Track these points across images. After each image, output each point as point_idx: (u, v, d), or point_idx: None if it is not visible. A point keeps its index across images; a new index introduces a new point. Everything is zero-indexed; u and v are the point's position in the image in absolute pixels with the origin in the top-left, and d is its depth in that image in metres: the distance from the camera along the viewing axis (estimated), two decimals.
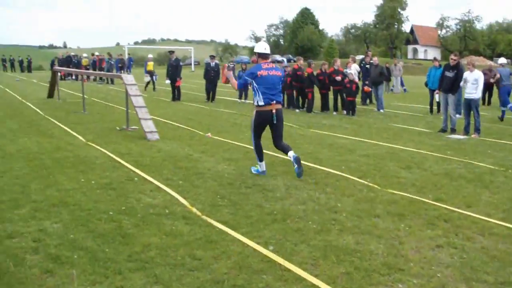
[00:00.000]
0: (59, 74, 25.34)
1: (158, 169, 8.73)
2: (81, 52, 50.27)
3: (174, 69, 22.19)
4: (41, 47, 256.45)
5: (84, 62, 39.57)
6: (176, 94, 22.22)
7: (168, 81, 22.49)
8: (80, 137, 12.02)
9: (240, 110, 18.60)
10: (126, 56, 56.87)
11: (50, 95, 22.73)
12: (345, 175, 8.43)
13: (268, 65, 8.17)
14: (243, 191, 7.35)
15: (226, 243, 5.23)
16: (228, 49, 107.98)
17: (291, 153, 8.15)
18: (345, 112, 17.90)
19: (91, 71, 36.12)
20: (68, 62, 39.01)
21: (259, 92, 8.05)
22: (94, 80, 37.70)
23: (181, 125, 14.28)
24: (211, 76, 22.08)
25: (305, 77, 18.28)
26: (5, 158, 9.48)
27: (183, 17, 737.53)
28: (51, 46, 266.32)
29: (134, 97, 13.07)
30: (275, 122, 8.13)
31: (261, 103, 8.06)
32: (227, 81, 8.65)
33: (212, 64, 22.36)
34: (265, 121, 8.18)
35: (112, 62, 37.83)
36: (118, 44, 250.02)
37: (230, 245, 5.18)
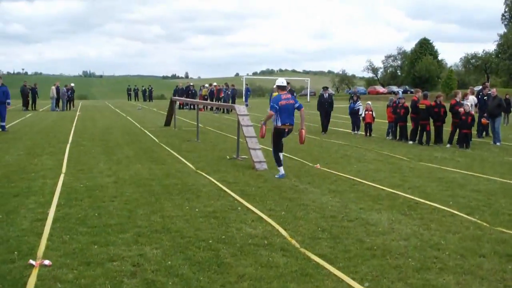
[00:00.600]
0: (177, 103, 26.63)
1: (262, 199, 8.87)
2: (202, 82, 52.56)
3: None
4: (164, 77, 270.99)
5: (204, 92, 41.32)
6: None
7: None
8: (190, 165, 12.52)
9: (352, 142, 18.43)
10: (244, 87, 58.63)
11: (167, 123, 23.95)
12: (452, 211, 8.15)
13: (286, 95, 11.29)
14: (345, 224, 7.28)
15: (321, 277, 5.20)
16: (345, 79, 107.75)
17: (281, 169, 11.26)
18: (458, 145, 17.21)
19: (208, 101, 37.60)
20: (186, 92, 40.93)
21: (279, 116, 11.16)
22: (211, 109, 39.14)
23: (290, 156, 14.41)
24: (325, 107, 22.08)
25: (424, 109, 17.81)
26: (118, 183, 10.11)
27: (301, 49, 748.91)
28: (174, 76, 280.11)
29: (246, 127, 13.44)
30: (285, 136, 11.46)
31: (279, 124, 11.23)
32: (264, 129, 11.66)
33: (326, 95, 22.38)
34: (280, 136, 11.39)
35: (229, 92, 39.14)
36: (237, 74, 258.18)
37: (325, 279, 5.14)
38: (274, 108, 11.17)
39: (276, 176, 11.06)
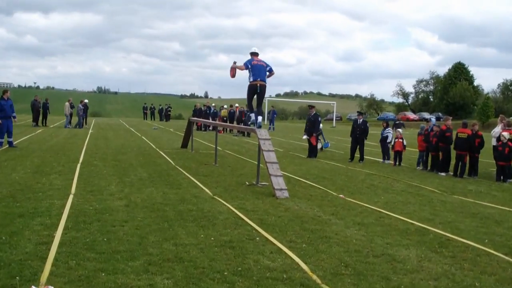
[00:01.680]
0: (195, 124, 26.71)
1: (282, 229, 8.79)
2: (222, 102, 52.64)
3: (311, 124, 22.45)
4: (182, 96, 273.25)
5: (223, 113, 41.48)
6: (312, 150, 22.43)
7: (305, 137, 22.79)
8: (207, 190, 12.50)
9: (380, 171, 18.28)
10: (267, 110, 58.71)
11: (184, 145, 24.03)
12: (488, 250, 7.98)
13: (258, 59, 14.47)
14: (370, 260, 7.15)
15: None
16: (373, 104, 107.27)
17: (259, 118, 14.75)
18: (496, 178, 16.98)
19: (227, 123, 37.74)
20: (205, 113, 41.18)
21: (251, 74, 14.16)
22: (230, 131, 39.25)
23: (313, 184, 14.33)
24: (357, 134, 21.91)
25: (464, 138, 17.61)
26: (129, 207, 10.10)
27: (327, 71, 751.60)
28: (192, 96, 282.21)
29: (267, 152, 13.42)
30: (258, 91, 14.23)
31: (252, 79, 14.17)
32: (234, 71, 14.56)
33: (359, 121, 22.16)
34: (254, 91, 14.28)
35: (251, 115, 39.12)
36: None
37: None
38: (246, 65, 14.25)
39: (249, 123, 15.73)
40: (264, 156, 13.30)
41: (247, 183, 14.02)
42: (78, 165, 16.12)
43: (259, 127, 14.54)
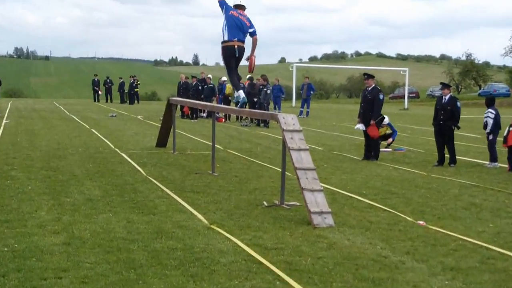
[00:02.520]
0: (178, 108, 26.64)
1: (325, 279, 8.80)
2: (221, 73, 51.55)
3: (369, 106, 22.27)
4: (157, 63, 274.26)
5: (228, 90, 41.33)
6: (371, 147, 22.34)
7: (359, 126, 22.54)
8: (200, 216, 12.53)
9: (485, 181, 18.21)
10: (294, 82, 58.45)
11: (161, 142, 24.08)
12: None
13: (242, 13, 16.01)
14: None
15: None
16: (471, 71, 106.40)
17: (241, 92, 16.87)
18: None
19: (233, 107, 37.68)
20: (196, 90, 41.13)
21: (226, 29, 15.81)
22: (237, 119, 39.23)
23: (374, 203, 14.35)
24: (441, 121, 21.68)
25: None
26: (71, 246, 10.13)
27: (393, 19, 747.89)
28: (174, 62, 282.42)
29: (297, 152, 13.32)
30: (237, 55, 16.06)
31: (226, 37, 15.86)
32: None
33: (445, 98, 21.79)
34: (231, 56, 16.04)
35: (269, 91, 38.66)
36: (283, 60, 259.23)
37: None
38: (221, 4, 16.15)
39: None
40: (292, 159, 13.24)
41: (265, 203, 14.03)
42: None
43: (243, 105, 17.75)
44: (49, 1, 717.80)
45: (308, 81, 52.06)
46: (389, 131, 25.63)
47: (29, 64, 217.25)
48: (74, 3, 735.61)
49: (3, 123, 33.12)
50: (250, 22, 15.93)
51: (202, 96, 40.27)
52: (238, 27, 15.77)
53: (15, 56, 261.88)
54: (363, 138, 22.92)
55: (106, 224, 11.63)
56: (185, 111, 40.23)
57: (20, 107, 50.39)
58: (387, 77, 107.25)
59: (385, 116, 24.21)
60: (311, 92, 50.68)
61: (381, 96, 22.87)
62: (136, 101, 62.56)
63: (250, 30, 15.97)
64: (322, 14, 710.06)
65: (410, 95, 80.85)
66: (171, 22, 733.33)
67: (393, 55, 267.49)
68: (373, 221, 12.52)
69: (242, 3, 16.10)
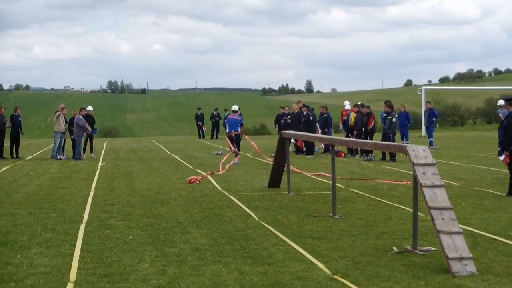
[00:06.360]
0: (292, 143, 26.57)
1: None
2: (340, 99, 51.43)
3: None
4: (265, 92, 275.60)
5: (352, 118, 40.91)
6: None
7: (503, 157, 22.18)
8: (321, 265, 12.48)
9: None
10: (424, 106, 57.98)
11: (274, 182, 24.05)
12: None
13: (234, 116, 39.36)
14: None
15: None
16: None
17: (237, 158, 35.14)
18: None
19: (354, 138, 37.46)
20: (303, 121, 41.11)
21: (227, 126, 38.58)
22: (356, 152, 39.01)
23: (469, 227, 14.07)
24: None
25: None
26: None
27: None
28: (286, 90, 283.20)
29: (430, 190, 13.18)
30: (234, 139, 37.14)
31: (227, 130, 37.88)
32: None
33: None
34: (231, 139, 36.89)
35: (394, 119, 38.18)
36: (409, 83, 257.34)
37: None
38: (224, 123, 42.06)
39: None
40: (425, 197, 13.08)
41: (394, 249, 13.90)
42: (81, 228, 16.44)
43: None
44: (144, 27, 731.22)
45: (430, 106, 51.55)
46: None
47: (124, 99, 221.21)
48: (171, 28, 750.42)
49: (98, 166, 33.70)
50: (240, 117, 29.26)
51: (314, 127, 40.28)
52: (233, 124, 30.93)
53: (109, 91, 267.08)
54: (507, 171, 22.46)
55: (215, 277, 11.69)
56: (299, 145, 40.22)
57: (116, 147, 51.20)
58: None
59: None
60: (433, 119, 50.00)
61: None
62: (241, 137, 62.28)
63: (240, 123, 30.84)
64: (454, 27, 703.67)
65: None
66: (280, 44, 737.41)
67: None
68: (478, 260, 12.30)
69: (236, 109, 28.29)
